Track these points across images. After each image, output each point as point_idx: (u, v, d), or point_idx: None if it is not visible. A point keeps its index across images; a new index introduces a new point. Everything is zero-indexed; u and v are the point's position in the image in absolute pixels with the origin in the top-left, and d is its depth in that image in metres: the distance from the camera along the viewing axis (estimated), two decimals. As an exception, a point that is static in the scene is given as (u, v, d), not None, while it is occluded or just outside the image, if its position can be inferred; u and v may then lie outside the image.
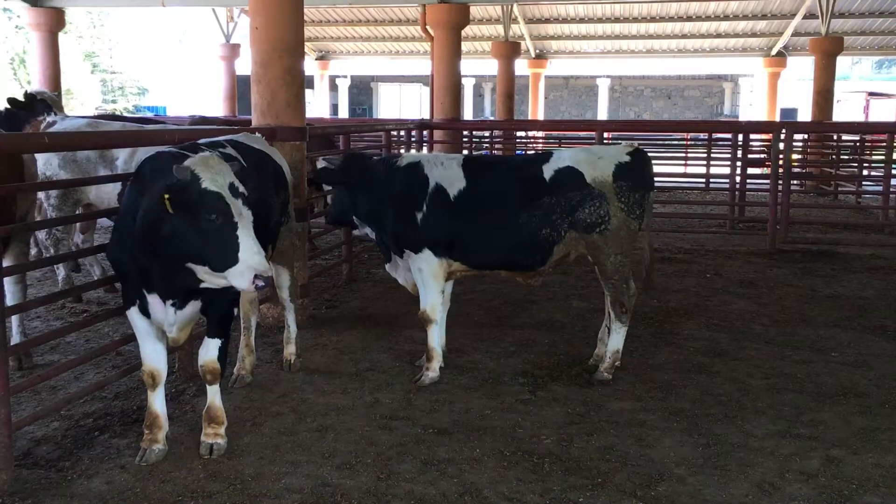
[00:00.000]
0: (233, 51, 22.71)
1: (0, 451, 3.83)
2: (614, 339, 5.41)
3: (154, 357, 4.22)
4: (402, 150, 12.14)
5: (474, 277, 5.79)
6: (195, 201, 3.63)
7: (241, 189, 3.77)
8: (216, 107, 22.45)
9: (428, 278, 5.33)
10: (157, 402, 4.25)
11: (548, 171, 5.28)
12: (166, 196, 3.62)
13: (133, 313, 4.15)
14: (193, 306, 4.11)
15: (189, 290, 3.98)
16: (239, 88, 22.17)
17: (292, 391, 5.18)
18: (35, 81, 17.13)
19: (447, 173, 5.31)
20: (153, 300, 4.06)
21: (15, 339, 5.71)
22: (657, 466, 4.13)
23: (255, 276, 3.65)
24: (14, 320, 5.76)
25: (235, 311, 4.36)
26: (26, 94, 8.00)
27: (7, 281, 4.95)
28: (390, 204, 5.31)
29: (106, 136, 6.24)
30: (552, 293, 7.72)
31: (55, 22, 16.48)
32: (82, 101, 37.73)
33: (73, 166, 7.02)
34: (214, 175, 3.68)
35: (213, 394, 4.34)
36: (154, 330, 4.20)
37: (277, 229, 5.15)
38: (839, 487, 3.92)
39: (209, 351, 4.26)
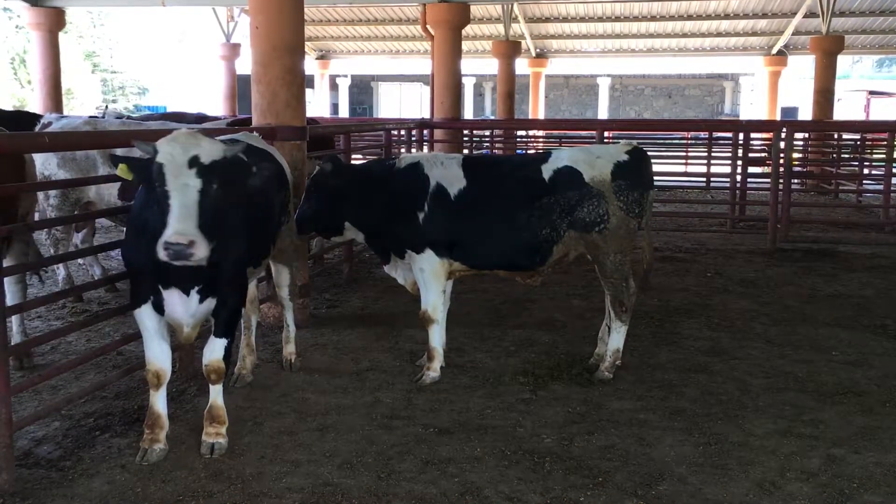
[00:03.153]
0: (233, 50, 22.71)
1: (1, 450, 3.84)
2: (615, 338, 5.41)
3: (160, 357, 4.22)
4: (403, 150, 12.14)
5: (474, 277, 5.79)
6: (150, 173, 3.72)
7: (209, 163, 3.70)
8: (216, 106, 22.45)
9: (429, 278, 5.32)
10: (160, 401, 4.25)
11: (546, 170, 5.28)
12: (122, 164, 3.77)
13: (143, 312, 4.15)
14: (209, 304, 4.12)
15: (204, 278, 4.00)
16: (239, 88, 22.16)
17: (293, 391, 5.18)
18: (35, 81, 17.13)
19: (447, 173, 5.31)
20: (170, 296, 4.06)
21: (16, 338, 5.71)
22: (658, 465, 4.13)
23: (167, 243, 3.55)
24: (14, 320, 5.76)
25: (242, 310, 4.37)
26: None
27: (7, 281, 4.95)
28: (391, 205, 5.29)
29: (105, 135, 6.24)
30: (553, 292, 7.72)
31: (55, 21, 16.47)
32: (82, 101, 37.71)
33: (72, 165, 7.02)
34: (173, 149, 3.69)
35: (216, 393, 4.35)
36: (161, 329, 4.21)
37: (279, 228, 5.15)
38: (840, 486, 3.92)
39: (215, 350, 4.26)
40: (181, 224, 3.56)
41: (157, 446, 4.19)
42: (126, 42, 43.71)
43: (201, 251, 3.57)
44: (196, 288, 4.04)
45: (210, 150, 3.75)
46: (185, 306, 4.08)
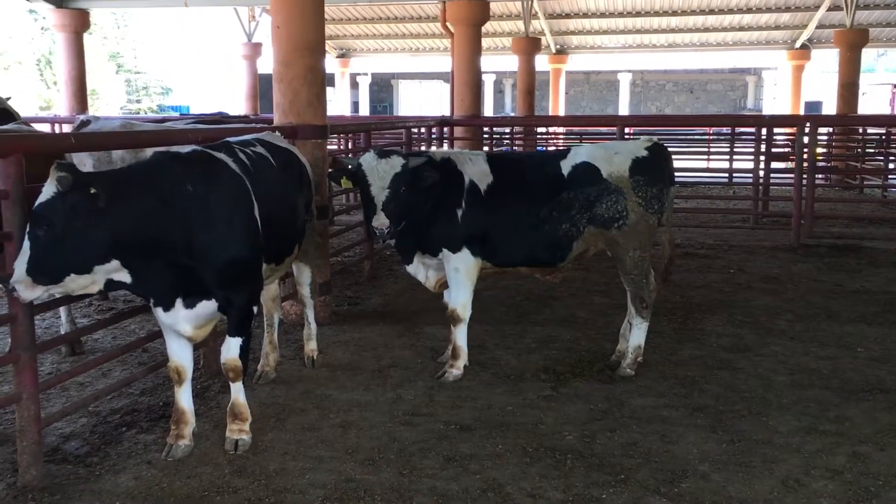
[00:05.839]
0: (255, 50, 22.84)
1: (30, 446, 3.91)
2: (636, 334, 5.39)
3: (179, 353, 4.27)
4: (423, 148, 12.15)
5: (496, 274, 5.79)
6: None
7: (36, 204, 3.60)
8: (238, 106, 22.61)
9: (463, 278, 5.30)
10: (184, 397, 4.30)
11: (565, 166, 5.29)
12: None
13: (156, 310, 4.18)
14: (205, 307, 4.10)
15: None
16: (261, 87, 22.31)
17: (315, 387, 5.22)
18: (61, 82, 17.33)
19: (477, 170, 5.30)
20: (156, 303, 4.09)
21: (65, 328, 6.09)
22: (680, 463, 4.12)
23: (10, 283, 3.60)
24: (63, 311, 6.08)
25: (256, 308, 4.38)
26: None
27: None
28: (430, 202, 5.16)
29: (129, 136, 6.31)
30: (574, 289, 7.71)
31: (80, 23, 16.66)
32: (107, 101, 38.16)
33: (108, 168, 7.08)
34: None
35: (237, 391, 4.39)
36: None
37: (304, 228, 5.18)
38: (865, 484, 3.89)
39: (230, 350, 4.30)
40: (13, 272, 3.60)
41: (183, 442, 4.24)
42: (149, 43, 44.12)
43: (24, 295, 3.61)
44: (179, 297, 4.02)
45: (45, 190, 3.59)
46: (173, 314, 4.06)
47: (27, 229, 3.61)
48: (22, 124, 6.54)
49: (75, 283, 3.72)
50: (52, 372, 5.55)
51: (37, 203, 3.59)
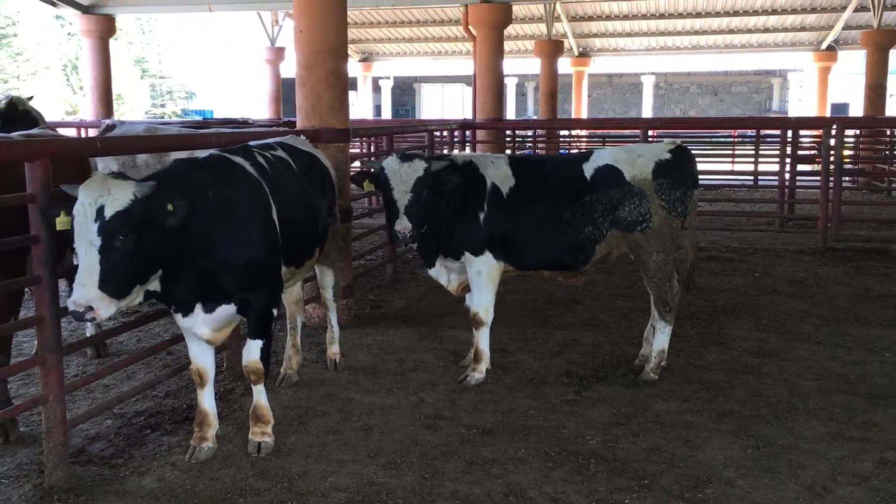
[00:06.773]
0: (278, 54, 22.98)
1: (56, 448, 3.95)
2: (659, 338, 5.36)
3: (200, 356, 4.30)
4: (445, 151, 12.15)
5: (518, 277, 5.78)
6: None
7: (111, 216, 3.43)
8: (262, 110, 22.76)
9: (486, 281, 5.30)
10: (207, 400, 4.33)
11: (588, 169, 5.27)
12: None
13: (175, 315, 4.20)
14: (224, 310, 4.11)
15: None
16: (284, 91, 22.40)
17: (338, 390, 5.23)
18: (87, 87, 17.53)
19: (498, 173, 5.30)
20: (176, 310, 4.11)
21: (90, 330, 6.13)
22: (705, 468, 4.08)
23: (74, 304, 3.39)
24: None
25: (275, 311, 4.39)
26: None
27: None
28: (452, 205, 5.18)
29: (155, 140, 6.37)
30: (596, 293, 7.67)
31: (106, 28, 16.84)
32: (132, 106, 38.54)
33: (133, 173, 7.14)
34: (84, 198, 3.48)
35: (259, 393, 4.41)
36: None
37: (326, 231, 5.19)
38: (893, 490, 3.83)
39: (251, 352, 4.32)
40: (78, 291, 3.40)
41: (206, 444, 4.27)
42: (173, 48, 44.52)
43: (103, 312, 3.43)
44: (199, 302, 4.03)
45: (116, 198, 3.47)
46: (191, 319, 4.08)
47: (100, 241, 3.40)
48: (47, 129, 6.62)
49: (134, 296, 3.64)
50: (78, 374, 5.62)
51: (112, 211, 3.42)
